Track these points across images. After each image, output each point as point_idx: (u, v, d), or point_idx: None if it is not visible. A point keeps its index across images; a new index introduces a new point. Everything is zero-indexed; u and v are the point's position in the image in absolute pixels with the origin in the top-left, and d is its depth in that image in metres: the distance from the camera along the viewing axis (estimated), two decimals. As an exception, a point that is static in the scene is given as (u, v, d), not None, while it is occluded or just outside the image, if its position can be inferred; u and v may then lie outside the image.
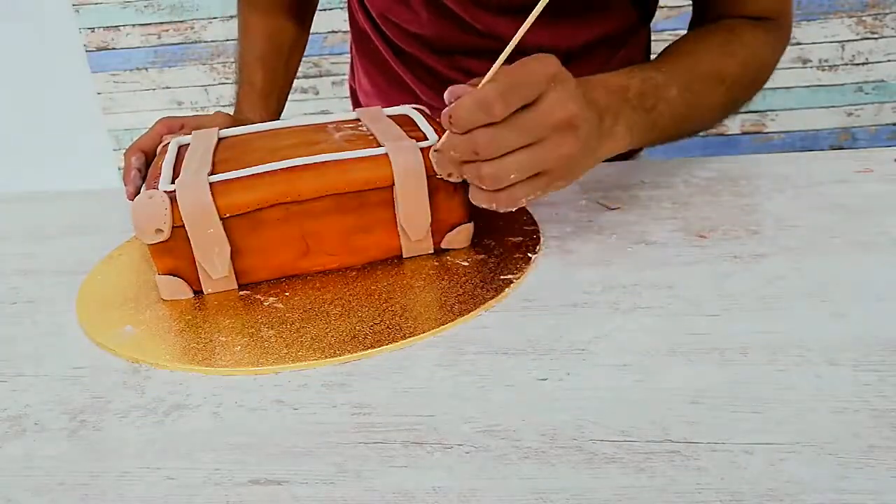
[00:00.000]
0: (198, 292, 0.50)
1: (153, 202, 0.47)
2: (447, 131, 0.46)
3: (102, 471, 0.35)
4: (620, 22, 0.73)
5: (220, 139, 0.57)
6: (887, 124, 2.30)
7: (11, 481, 0.35)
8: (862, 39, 2.21)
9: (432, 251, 0.53)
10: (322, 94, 2.31)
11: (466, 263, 0.51)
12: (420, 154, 0.50)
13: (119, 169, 2.58)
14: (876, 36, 2.20)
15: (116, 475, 0.35)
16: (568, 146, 0.46)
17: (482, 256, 0.52)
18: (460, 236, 0.53)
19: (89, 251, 0.60)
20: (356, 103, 0.90)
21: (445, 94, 0.46)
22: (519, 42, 0.44)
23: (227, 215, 0.48)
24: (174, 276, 0.49)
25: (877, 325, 0.41)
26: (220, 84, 2.32)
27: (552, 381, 0.39)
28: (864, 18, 2.19)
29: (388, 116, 0.58)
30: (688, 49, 0.60)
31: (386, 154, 0.50)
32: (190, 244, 0.48)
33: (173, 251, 0.48)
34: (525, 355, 0.41)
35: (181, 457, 0.36)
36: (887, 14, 2.18)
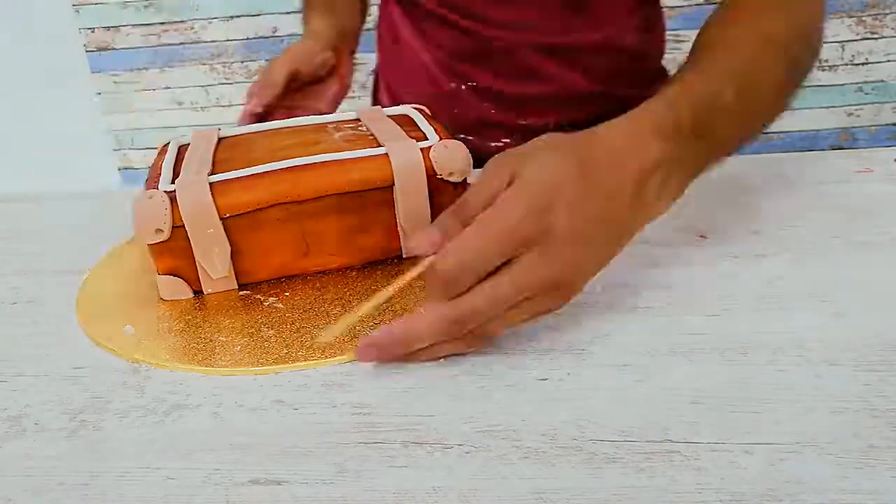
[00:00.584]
0: (198, 292, 0.50)
1: (153, 202, 0.47)
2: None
3: (102, 471, 0.35)
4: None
5: (220, 139, 0.57)
6: (887, 124, 2.30)
7: (11, 481, 0.35)
8: (862, 39, 2.21)
9: None
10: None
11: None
12: (420, 154, 0.50)
13: (119, 169, 2.58)
14: (876, 36, 2.21)
15: (116, 475, 0.35)
16: (562, 298, 0.40)
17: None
18: None
19: (89, 251, 0.60)
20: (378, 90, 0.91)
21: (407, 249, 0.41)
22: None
23: (227, 215, 0.48)
24: (174, 276, 0.49)
25: (877, 325, 0.41)
26: (220, 84, 2.32)
27: (552, 381, 0.39)
28: (864, 18, 2.19)
29: (389, 116, 0.58)
30: (728, 33, 0.52)
31: (386, 154, 0.50)
32: (190, 244, 0.48)
33: (173, 251, 0.48)
34: (525, 355, 0.41)
35: (181, 457, 0.36)
36: (887, 14, 2.18)
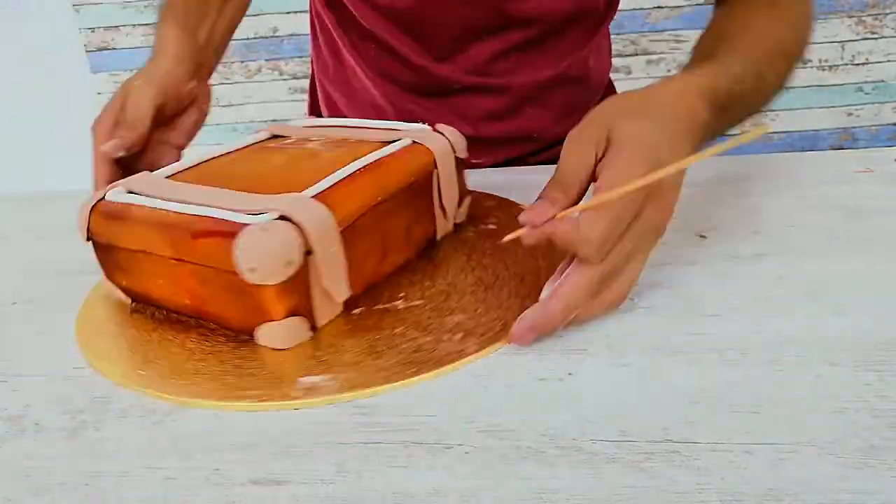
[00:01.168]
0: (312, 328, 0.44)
1: (276, 232, 0.40)
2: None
3: (102, 471, 0.35)
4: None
5: (168, 176, 0.50)
6: (887, 124, 2.30)
7: (11, 481, 0.35)
8: (862, 39, 2.21)
9: (452, 228, 0.56)
10: (322, 94, 2.31)
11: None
12: (439, 135, 0.53)
13: (119, 169, 2.57)
14: (876, 36, 2.20)
15: (116, 475, 0.35)
16: (661, 230, 0.43)
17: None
18: (464, 209, 0.57)
19: (89, 251, 0.60)
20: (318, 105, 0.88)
21: (522, 221, 0.41)
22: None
23: (340, 229, 0.43)
24: (295, 315, 0.43)
25: (877, 325, 0.41)
26: (219, 84, 2.32)
27: (552, 381, 0.39)
28: (864, 18, 2.19)
29: (307, 127, 0.59)
30: (745, 25, 0.55)
31: (416, 143, 0.52)
32: (308, 273, 0.42)
33: (296, 286, 0.41)
34: (525, 355, 0.41)
35: (181, 457, 0.36)
36: (887, 14, 2.18)
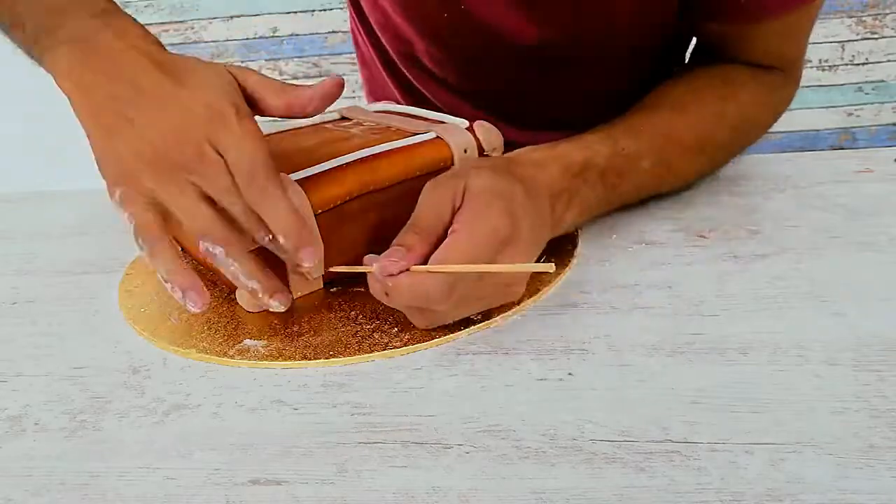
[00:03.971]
0: None
1: None
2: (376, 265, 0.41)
3: (102, 471, 0.35)
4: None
5: None
6: (887, 124, 2.30)
7: (11, 481, 0.35)
8: (862, 39, 2.21)
9: None
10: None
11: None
12: (469, 133, 0.52)
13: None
14: (876, 36, 2.21)
15: (116, 475, 0.35)
16: (513, 295, 0.44)
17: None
18: None
19: (89, 251, 0.60)
20: None
21: (375, 267, 0.41)
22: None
23: (319, 211, 0.46)
24: None
25: (877, 325, 0.41)
26: (220, 84, 2.33)
27: (552, 381, 0.39)
28: (864, 18, 2.19)
29: (375, 112, 0.59)
30: (676, 105, 0.57)
31: (438, 137, 0.52)
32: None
33: (267, 258, 0.44)
34: (525, 355, 0.41)
35: (181, 457, 0.36)
36: (887, 14, 2.18)
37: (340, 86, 0.45)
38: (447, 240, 0.41)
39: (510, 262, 0.41)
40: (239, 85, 0.42)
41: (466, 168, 0.45)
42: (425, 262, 0.40)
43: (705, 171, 0.59)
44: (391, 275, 0.40)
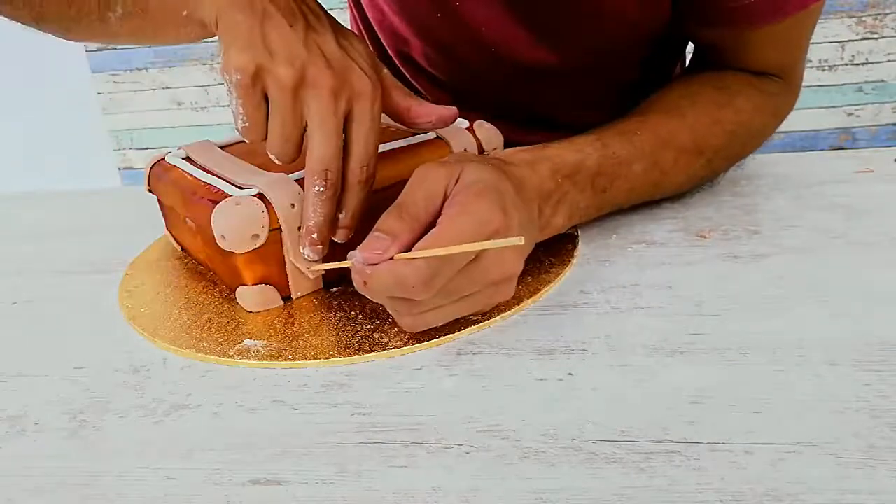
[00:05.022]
0: (285, 299, 0.48)
1: (246, 207, 0.44)
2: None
3: (102, 471, 0.35)
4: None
5: (222, 147, 0.54)
6: (887, 124, 2.30)
7: (11, 481, 0.35)
8: (862, 39, 2.21)
9: None
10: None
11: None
12: (469, 133, 0.53)
13: (119, 169, 2.58)
14: (876, 36, 2.21)
15: (116, 475, 0.35)
16: (503, 295, 0.43)
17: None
18: None
19: (89, 251, 0.60)
20: None
21: (353, 256, 0.40)
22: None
23: None
24: (265, 284, 0.47)
25: (877, 325, 0.41)
26: (219, 84, 2.32)
27: (552, 381, 0.39)
28: (864, 18, 2.19)
29: None
30: (671, 109, 0.56)
31: (439, 138, 0.52)
32: (281, 248, 0.46)
33: (265, 258, 0.46)
34: (525, 355, 0.41)
35: (181, 457, 0.36)
36: (887, 14, 2.18)
37: (455, 116, 0.48)
38: (436, 229, 0.39)
39: (500, 258, 0.40)
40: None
41: (461, 157, 0.44)
42: (409, 250, 0.39)
43: (701, 175, 0.58)
44: (373, 264, 0.39)
